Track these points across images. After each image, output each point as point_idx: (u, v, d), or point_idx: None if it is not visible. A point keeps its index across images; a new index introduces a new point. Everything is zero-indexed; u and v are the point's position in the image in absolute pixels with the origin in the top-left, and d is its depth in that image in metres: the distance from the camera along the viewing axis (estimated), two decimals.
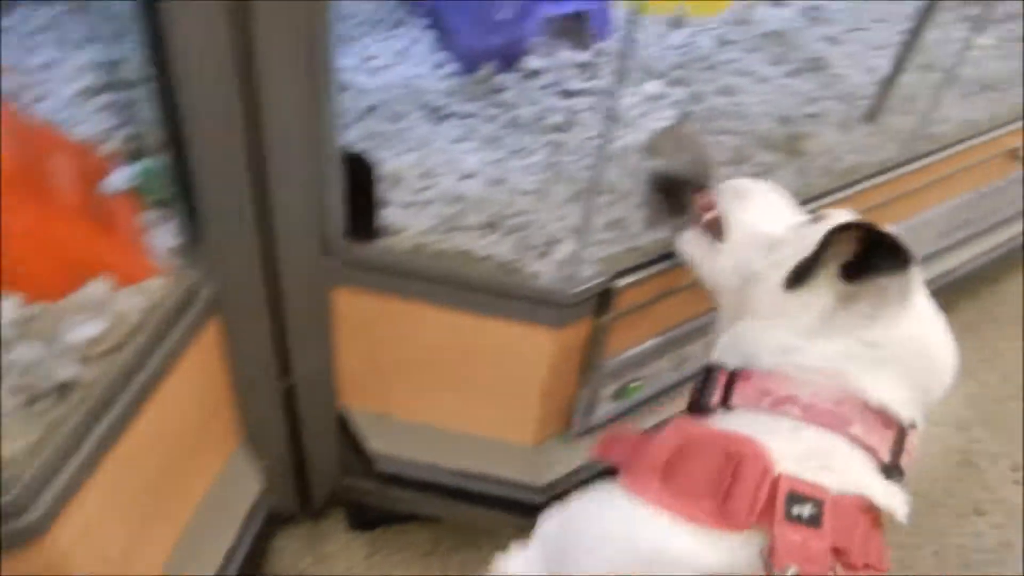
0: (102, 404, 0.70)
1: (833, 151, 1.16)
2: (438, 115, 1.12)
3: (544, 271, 0.92)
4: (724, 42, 1.43)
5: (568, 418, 1.14)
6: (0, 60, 0.98)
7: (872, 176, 1.17)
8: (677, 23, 1.47)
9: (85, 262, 0.74)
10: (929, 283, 1.49)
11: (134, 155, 0.91)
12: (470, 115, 1.12)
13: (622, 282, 0.94)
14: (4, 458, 0.59)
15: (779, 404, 0.63)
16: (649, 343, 1.09)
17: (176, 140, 0.72)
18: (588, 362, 1.05)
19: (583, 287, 0.91)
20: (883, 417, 0.63)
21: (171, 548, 0.92)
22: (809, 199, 1.09)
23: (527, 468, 1.14)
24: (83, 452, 0.68)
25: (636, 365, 1.11)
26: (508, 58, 1.21)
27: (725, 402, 0.67)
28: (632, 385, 1.15)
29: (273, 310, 0.95)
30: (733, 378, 0.67)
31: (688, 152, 0.98)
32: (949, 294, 1.80)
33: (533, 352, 1.00)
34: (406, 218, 0.94)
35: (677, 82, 1.27)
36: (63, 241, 0.73)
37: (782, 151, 1.17)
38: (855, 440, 0.61)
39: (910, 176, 1.22)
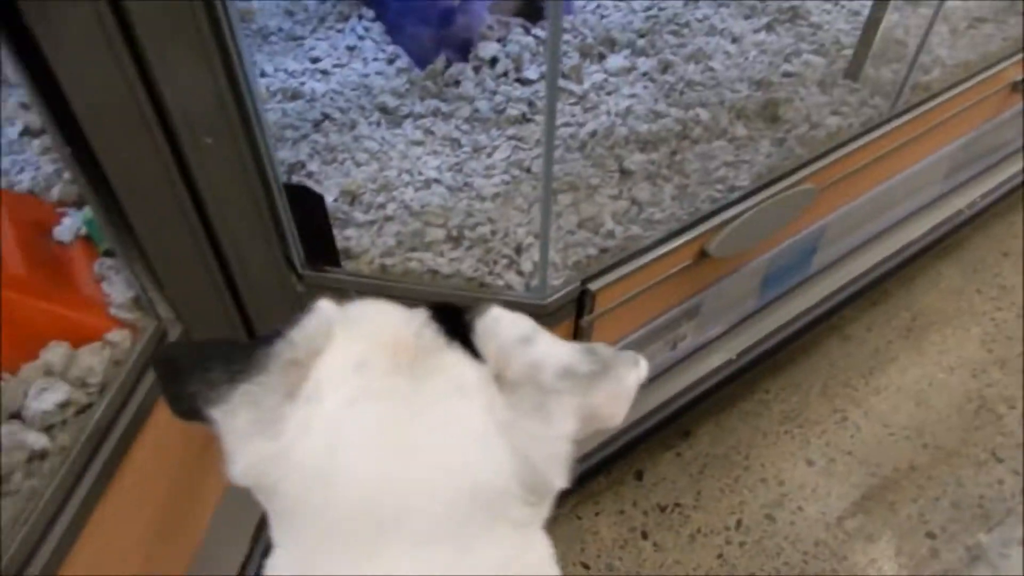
0: (80, 466, 0.74)
1: (812, 116, 1.17)
2: (393, 117, 1.14)
3: (515, 281, 0.95)
4: None
5: None
6: None
7: (856, 138, 1.18)
8: None
9: (42, 326, 0.78)
10: (941, 224, 1.51)
11: (79, 201, 0.94)
12: (426, 115, 1.14)
13: (597, 284, 0.97)
14: None
15: None
16: (635, 334, 1.12)
17: (105, 189, 0.75)
18: None
19: (557, 295, 0.94)
20: None
21: (188, 561, 0.98)
22: (787, 172, 1.11)
23: None
24: (67, 518, 0.72)
25: None
26: (461, 47, 1.22)
27: None
28: None
29: (250, 338, 0.99)
30: None
31: None
32: (960, 232, 1.82)
33: None
34: (367, 239, 0.97)
35: (642, 52, 1.28)
36: (15, 307, 0.76)
37: (759, 120, 1.19)
38: None
39: (898, 131, 1.23)
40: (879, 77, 1.25)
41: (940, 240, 1.67)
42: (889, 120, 1.21)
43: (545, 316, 0.96)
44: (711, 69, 1.26)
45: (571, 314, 1.00)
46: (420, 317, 0.49)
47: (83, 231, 0.92)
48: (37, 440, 0.71)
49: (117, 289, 0.86)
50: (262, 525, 1.09)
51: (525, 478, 0.44)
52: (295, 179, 1.03)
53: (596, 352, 0.47)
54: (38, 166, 0.98)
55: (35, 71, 0.66)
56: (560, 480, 0.45)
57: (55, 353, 0.77)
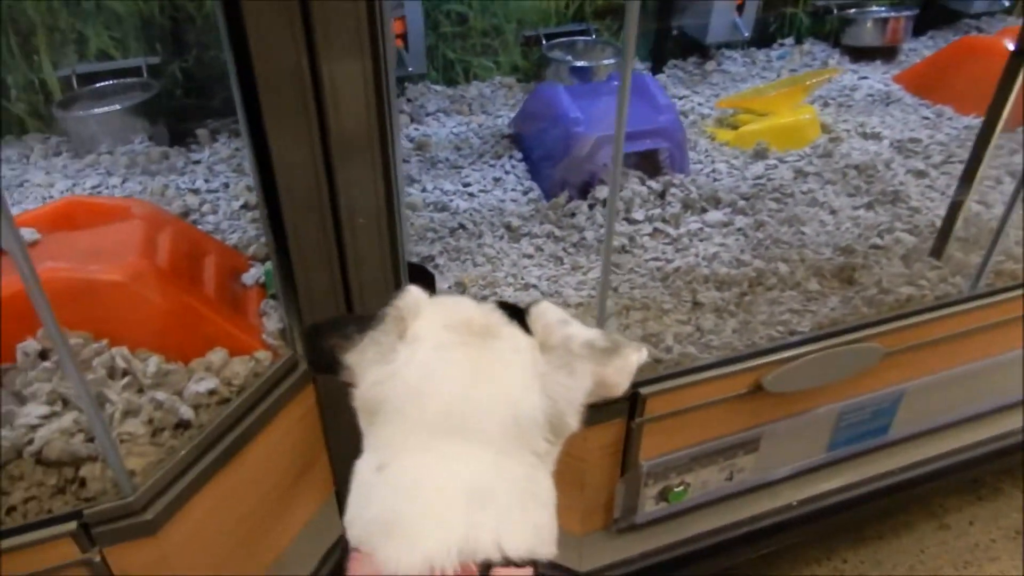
0: (210, 441, 0.95)
1: (884, 283, 1.23)
2: (514, 234, 1.36)
3: None
4: (803, 173, 1.56)
5: (610, 513, 1.25)
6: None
7: (929, 310, 1.22)
8: (760, 155, 1.63)
9: (214, 335, 1.03)
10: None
11: (265, 258, 1.22)
12: (540, 236, 1.34)
13: (648, 389, 1.08)
14: (129, 470, 0.85)
15: None
16: (686, 450, 1.19)
17: (283, 249, 1.00)
18: (626, 460, 1.17)
19: None
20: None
21: (269, 562, 1.14)
22: (852, 328, 1.18)
23: (571, 553, 1.25)
24: (191, 476, 0.93)
25: (677, 470, 1.21)
26: (583, 187, 1.43)
27: None
28: (676, 489, 1.24)
29: None
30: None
31: None
32: None
33: (571, 445, 1.14)
34: None
35: (742, 212, 1.42)
36: (200, 320, 1.02)
37: (835, 280, 1.27)
38: None
39: (977, 313, 1.25)
40: (965, 261, 1.29)
41: None
42: (967, 300, 1.24)
43: (593, 409, 1.07)
44: (803, 233, 1.37)
45: (623, 414, 1.11)
46: (489, 305, 0.67)
47: (262, 279, 1.19)
48: (187, 412, 0.93)
49: (271, 322, 1.11)
50: (331, 551, 1.24)
51: (551, 415, 0.60)
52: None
53: (612, 336, 0.64)
54: (245, 230, 1.29)
55: (262, 164, 0.94)
56: (574, 423, 0.62)
57: (217, 355, 1.01)
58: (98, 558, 0.87)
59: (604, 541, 1.26)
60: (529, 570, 0.57)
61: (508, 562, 0.55)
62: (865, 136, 1.73)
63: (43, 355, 0.92)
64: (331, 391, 1.15)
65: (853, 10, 2.19)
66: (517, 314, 0.67)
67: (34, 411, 0.84)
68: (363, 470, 0.60)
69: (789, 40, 2.23)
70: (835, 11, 2.19)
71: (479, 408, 0.59)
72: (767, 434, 1.25)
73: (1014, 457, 1.61)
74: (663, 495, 1.23)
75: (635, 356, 0.64)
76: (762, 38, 2.21)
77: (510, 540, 0.56)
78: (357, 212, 0.99)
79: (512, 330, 0.65)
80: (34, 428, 0.83)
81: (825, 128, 1.74)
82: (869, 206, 1.46)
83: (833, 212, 1.44)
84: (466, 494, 0.56)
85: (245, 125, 0.92)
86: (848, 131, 1.74)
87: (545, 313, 0.66)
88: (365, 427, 0.63)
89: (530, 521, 0.59)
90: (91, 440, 0.85)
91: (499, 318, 0.66)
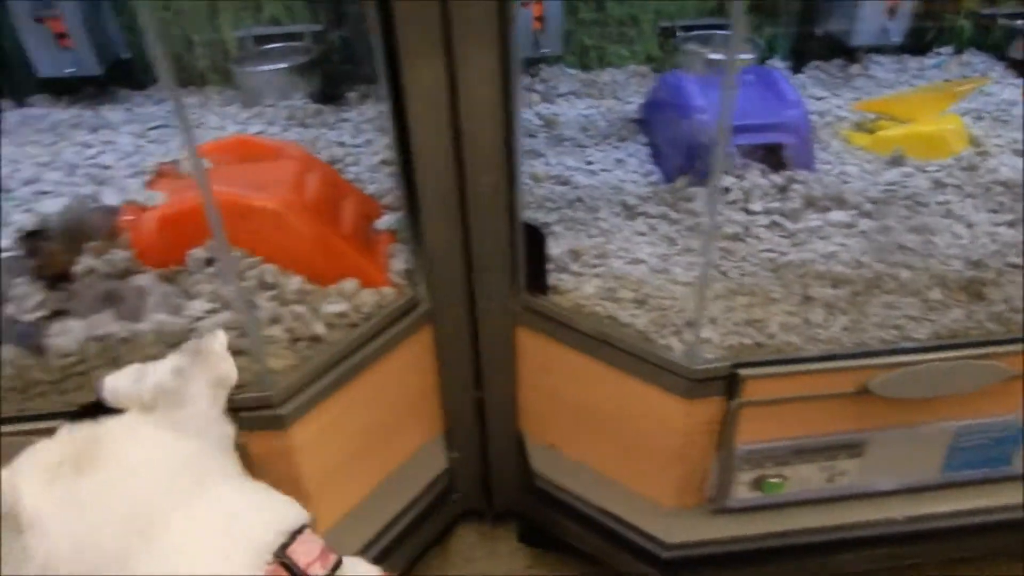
0: (338, 357, 1.07)
1: (1015, 301, 1.18)
2: (630, 213, 1.40)
3: (676, 346, 1.12)
4: (941, 184, 1.50)
5: (704, 491, 1.27)
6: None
7: None
8: (896, 161, 1.58)
9: (347, 267, 1.14)
10: None
11: (397, 207, 1.33)
12: (655, 216, 1.38)
13: (747, 371, 1.10)
14: (269, 369, 0.97)
15: None
16: (784, 441, 1.19)
17: (414, 202, 1.10)
18: (722, 441, 1.19)
19: (706, 366, 1.09)
20: None
21: (367, 492, 1.26)
22: (975, 343, 1.14)
23: (660, 524, 1.29)
24: (321, 384, 1.04)
25: (774, 460, 1.22)
26: (704, 174, 1.45)
27: None
28: (772, 480, 1.24)
29: (472, 334, 1.28)
30: None
31: None
32: None
33: (666, 416, 1.17)
34: (575, 284, 1.21)
35: (867, 215, 1.39)
36: (337, 251, 1.13)
37: (961, 293, 1.22)
38: None
39: None
40: None
41: None
42: None
43: (693, 381, 1.10)
44: (932, 242, 1.33)
45: (722, 393, 1.13)
46: (71, 431, 0.67)
47: (393, 227, 1.30)
48: (320, 328, 1.05)
49: (398, 264, 1.21)
50: (435, 481, 1.33)
51: (218, 441, 0.73)
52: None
53: (187, 345, 0.71)
54: (382, 182, 1.41)
55: (400, 126, 1.04)
56: (227, 427, 0.74)
57: (349, 284, 1.12)
58: (241, 440, 1.00)
59: (696, 518, 1.28)
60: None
61: None
62: (1018, 153, 1.64)
63: (208, 262, 1.06)
64: (448, 336, 1.25)
65: (1020, 21, 2.06)
66: (99, 408, 0.69)
67: (200, 306, 0.98)
68: None
69: (947, 49, 2.13)
70: (999, 20, 2.08)
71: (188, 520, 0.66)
72: (873, 441, 1.23)
73: None
74: (758, 484, 1.24)
75: (215, 340, 0.72)
76: (918, 45, 2.12)
77: None
78: (481, 173, 1.08)
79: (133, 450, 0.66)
80: (198, 319, 0.96)
81: (973, 141, 1.66)
82: (1011, 224, 1.39)
83: (970, 226, 1.39)
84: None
85: (388, 91, 1.02)
86: (1000, 146, 1.66)
87: (116, 388, 0.69)
88: None
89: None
90: (241, 336, 0.97)
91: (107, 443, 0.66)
